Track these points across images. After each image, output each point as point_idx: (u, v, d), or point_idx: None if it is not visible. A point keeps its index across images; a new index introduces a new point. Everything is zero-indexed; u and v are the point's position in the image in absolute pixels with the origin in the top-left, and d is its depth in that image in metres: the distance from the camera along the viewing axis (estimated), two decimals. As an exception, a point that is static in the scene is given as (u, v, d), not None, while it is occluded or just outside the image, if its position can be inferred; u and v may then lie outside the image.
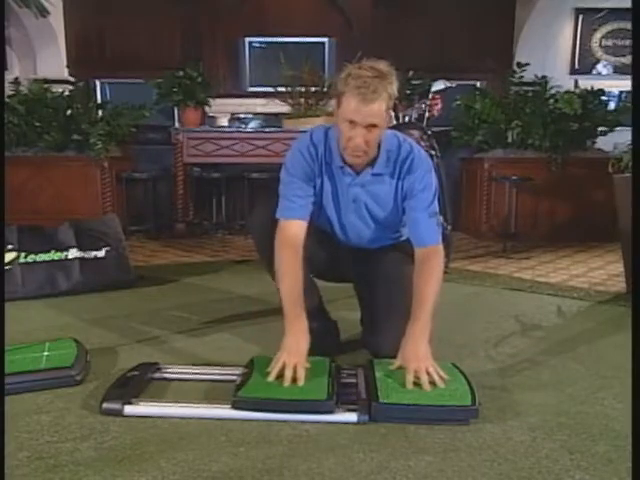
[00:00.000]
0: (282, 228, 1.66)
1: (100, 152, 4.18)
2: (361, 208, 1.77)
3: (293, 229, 1.66)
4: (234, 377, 1.51)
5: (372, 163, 1.68)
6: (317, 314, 1.87)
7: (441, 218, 1.76)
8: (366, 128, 1.55)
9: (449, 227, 2.84)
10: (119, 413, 1.38)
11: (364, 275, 1.86)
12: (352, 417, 1.36)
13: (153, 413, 1.39)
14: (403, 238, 1.90)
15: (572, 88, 4.52)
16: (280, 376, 1.47)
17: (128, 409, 1.39)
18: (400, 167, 1.70)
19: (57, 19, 5.48)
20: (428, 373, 1.46)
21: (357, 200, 1.75)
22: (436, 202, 1.71)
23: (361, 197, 1.74)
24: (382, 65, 1.55)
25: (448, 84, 3.40)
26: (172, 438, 1.28)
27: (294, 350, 1.52)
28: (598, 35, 6.03)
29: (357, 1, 5.77)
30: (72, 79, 5.44)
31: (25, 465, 1.17)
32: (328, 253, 1.85)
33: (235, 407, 1.39)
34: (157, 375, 1.62)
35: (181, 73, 4.54)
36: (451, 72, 4.82)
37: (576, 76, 5.59)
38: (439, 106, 3.38)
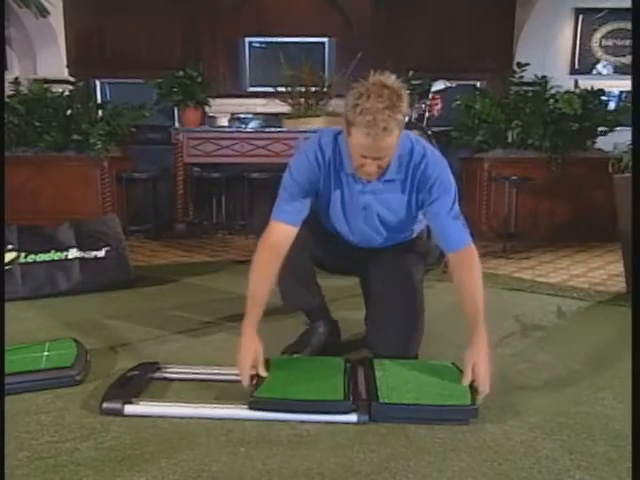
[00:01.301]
0: (270, 229, 1.63)
1: (100, 152, 4.18)
2: (372, 216, 1.72)
3: (280, 233, 1.62)
4: (235, 377, 1.51)
5: (385, 169, 1.62)
6: (319, 314, 1.87)
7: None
8: (378, 158, 1.53)
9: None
10: (119, 413, 1.38)
11: (372, 275, 1.84)
12: (352, 417, 1.36)
13: (153, 413, 1.39)
14: (414, 235, 1.88)
15: (572, 88, 4.51)
16: (293, 374, 1.48)
17: (128, 409, 1.39)
18: (413, 172, 1.64)
19: (57, 19, 5.47)
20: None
21: (368, 208, 1.71)
22: (457, 203, 1.65)
23: (373, 205, 1.70)
24: (391, 83, 1.46)
25: (448, 84, 3.40)
26: (172, 438, 1.28)
27: (247, 354, 1.50)
28: (598, 35, 6.03)
29: (357, 1, 5.77)
30: (72, 79, 5.43)
31: (25, 465, 1.17)
32: (335, 249, 1.84)
33: (252, 407, 1.39)
34: (157, 375, 1.62)
35: (181, 73, 4.54)
36: (451, 72, 4.83)
37: (576, 76, 5.58)
38: (439, 106, 3.39)
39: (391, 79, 1.48)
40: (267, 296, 1.60)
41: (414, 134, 1.78)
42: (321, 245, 1.81)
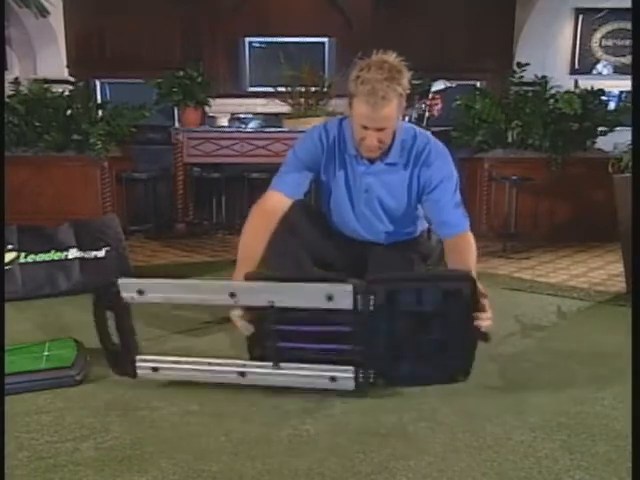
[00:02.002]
0: (266, 197, 1.71)
1: (100, 152, 4.18)
2: (373, 199, 1.76)
3: (275, 200, 1.69)
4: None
5: (386, 152, 1.68)
6: None
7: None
8: (378, 130, 1.57)
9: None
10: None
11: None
12: (348, 287, 1.37)
13: (143, 282, 1.51)
14: (416, 234, 1.90)
15: (572, 88, 4.51)
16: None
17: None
18: (416, 158, 1.69)
19: (57, 19, 5.47)
20: None
21: (369, 190, 1.75)
22: (459, 192, 1.70)
23: (374, 187, 1.74)
24: (391, 60, 1.54)
25: (448, 84, 3.40)
26: (172, 438, 1.28)
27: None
28: (598, 35, 6.03)
29: (357, 1, 5.77)
30: (72, 79, 5.43)
31: (25, 465, 1.17)
32: (338, 248, 1.87)
33: (248, 279, 1.43)
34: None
35: (181, 73, 4.54)
36: (451, 72, 4.83)
37: (576, 76, 5.59)
38: (439, 106, 3.39)
39: (392, 56, 1.56)
40: (258, 258, 1.63)
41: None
42: (324, 245, 1.83)
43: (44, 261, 2.64)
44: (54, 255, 2.67)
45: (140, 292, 1.51)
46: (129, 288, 1.51)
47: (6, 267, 2.54)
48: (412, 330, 1.43)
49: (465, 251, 1.60)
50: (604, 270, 3.32)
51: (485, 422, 1.36)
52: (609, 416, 1.41)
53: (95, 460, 1.18)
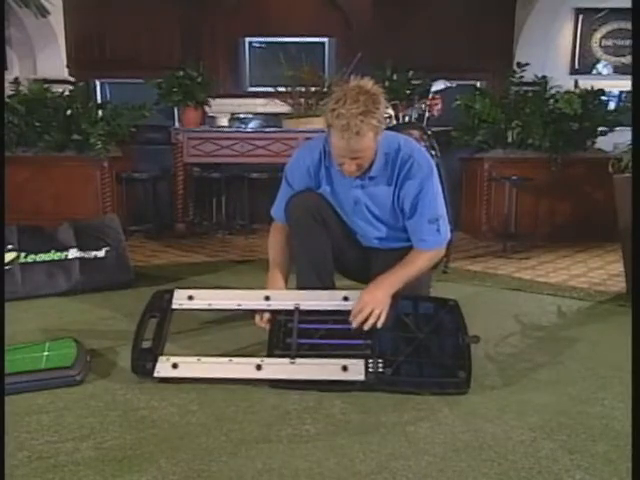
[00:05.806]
0: (273, 225, 1.93)
1: (100, 152, 4.18)
2: (363, 210, 1.80)
3: (280, 227, 1.90)
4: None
5: (370, 166, 1.70)
6: None
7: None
8: (355, 158, 1.61)
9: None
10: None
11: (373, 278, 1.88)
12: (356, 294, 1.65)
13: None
14: None
15: (572, 88, 4.51)
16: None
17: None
18: (399, 170, 1.72)
19: (57, 19, 5.46)
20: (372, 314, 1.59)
21: (358, 202, 1.79)
22: (437, 206, 1.73)
23: (361, 199, 1.78)
24: (368, 88, 1.55)
25: (448, 84, 3.39)
26: (172, 438, 1.28)
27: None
28: (598, 35, 6.03)
29: (357, 1, 5.76)
30: (72, 79, 5.43)
31: (25, 465, 1.17)
32: (350, 251, 1.91)
33: None
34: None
35: (181, 73, 4.54)
36: (451, 72, 4.82)
37: (576, 76, 5.57)
38: (439, 106, 3.38)
39: (369, 84, 1.57)
40: (286, 258, 1.86)
41: (413, 135, 1.84)
42: (344, 245, 1.88)
43: (44, 261, 2.64)
44: (54, 255, 2.67)
45: (190, 298, 1.74)
46: (181, 296, 1.74)
47: (6, 267, 2.54)
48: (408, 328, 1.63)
49: (419, 259, 1.73)
50: (604, 270, 3.32)
51: (485, 422, 1.36)
52: (609, 416, 1.41)
53: (95, 460, 1.19)
